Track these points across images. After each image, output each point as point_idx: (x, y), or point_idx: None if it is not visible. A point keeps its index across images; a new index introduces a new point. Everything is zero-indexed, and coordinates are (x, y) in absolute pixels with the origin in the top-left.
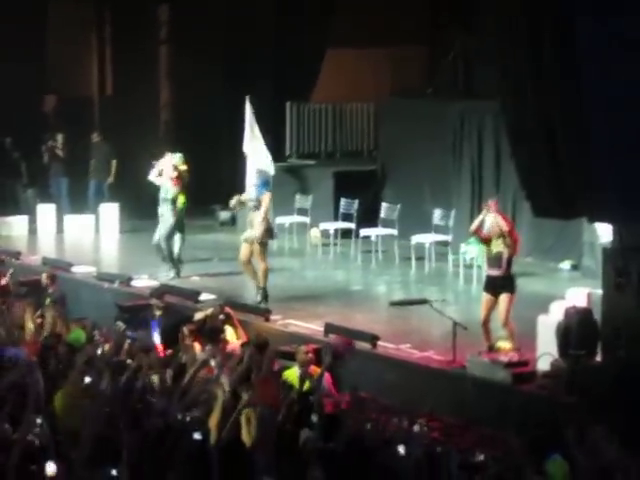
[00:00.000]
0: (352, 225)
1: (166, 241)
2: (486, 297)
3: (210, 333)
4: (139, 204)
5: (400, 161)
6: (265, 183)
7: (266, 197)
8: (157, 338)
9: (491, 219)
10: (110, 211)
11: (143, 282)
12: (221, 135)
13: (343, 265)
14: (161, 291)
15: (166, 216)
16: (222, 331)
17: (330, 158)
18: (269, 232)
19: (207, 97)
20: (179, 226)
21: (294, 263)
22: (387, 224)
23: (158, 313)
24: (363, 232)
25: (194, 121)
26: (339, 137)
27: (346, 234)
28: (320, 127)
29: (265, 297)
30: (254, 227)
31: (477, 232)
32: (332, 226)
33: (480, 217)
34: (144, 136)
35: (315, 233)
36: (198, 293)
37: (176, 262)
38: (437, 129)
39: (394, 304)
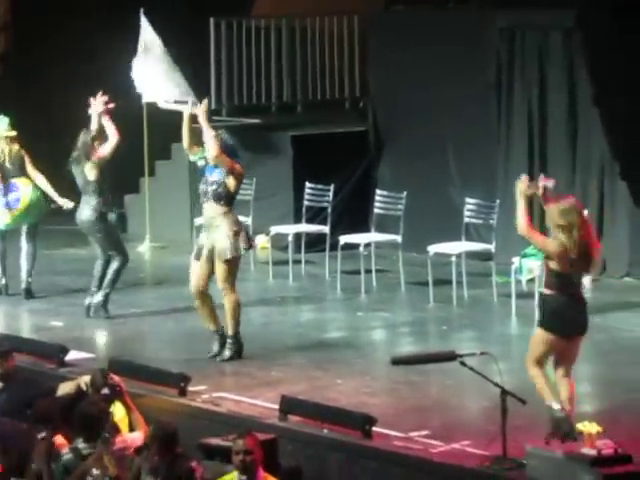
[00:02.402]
0: (325, 228)
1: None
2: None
3: (85, 420)
4: None
5: (406, 117)
6: (232, 151)
7: (236, 178)
8: None
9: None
10: None
11: None
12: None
13: (312, 296)
14: (5, 347)
15: None
16: (105, 416)
17: (286, 113)
18: (245, 240)
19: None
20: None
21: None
22: (385, 226)
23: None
24: (345, 239)
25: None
26: (300, 77)
27: (315, 243)
28: (268, 60)
29: (238, 351)
30: (217, 232)
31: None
32: (291, 229)
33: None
34: None
35: (263, 243)
36: (64, 350)
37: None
38: (468, 58)
39: (398, 362)
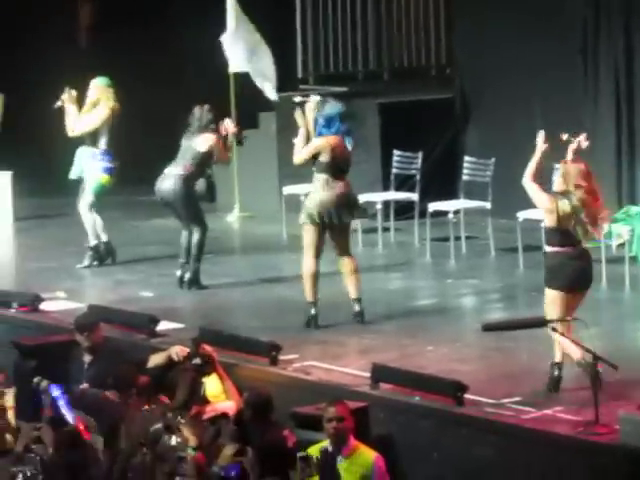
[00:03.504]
0: (414, 196)
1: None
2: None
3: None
4: (45, 171)
5: (492, 83)
6: (331, 122)
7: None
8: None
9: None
10: None
11: (58, 304)
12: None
13: (401, 264)
14: (91, 319)
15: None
16: (198, 385)
17: (372, 82)
18: (357, 206)
19: None
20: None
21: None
22: (474, 193)
23: (88, 357)
24: (433, 206)
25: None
26: (386, 46)
27: (404, 211)
28: (354, 28)
29: (363, 316)
30: (327, 195)
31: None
32: (379, 197)
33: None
34: (52, 46)
35: None
36: (154, 320)
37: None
38: (555, 22)
39: (489, 328)
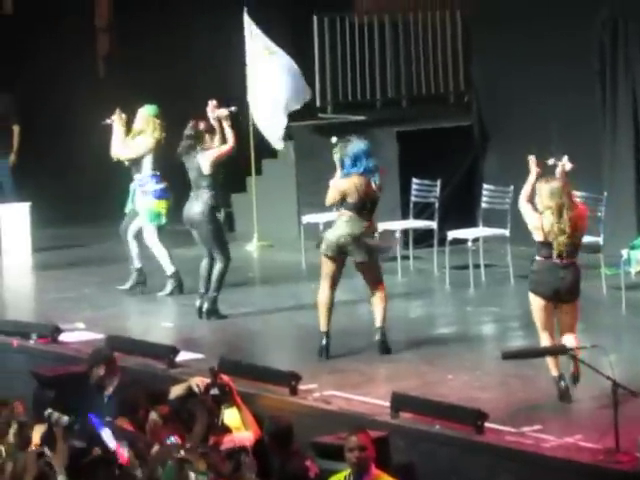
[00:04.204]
0: (433, 224)
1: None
2: None
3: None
4: (65, 201)
5: (510, 110)
6: (357, 161)
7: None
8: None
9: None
10: (15, 214)
11: (77, 335)
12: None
13: (420, 292)
14: (106, 350)
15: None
16: (216, 416)
17: (391, 109)
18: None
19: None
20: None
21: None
22: (493, 220)
23: (110, 387)
24: (452, 234)
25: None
26: (405, 73)
27: (423, 238)
28: (372, 56)
29: (386, 345)
30: (350, 232)
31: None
32: (399, 225)
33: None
34: (70, 77)
35: None
36: (174, 350)
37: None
38: (572, 46)
39: (509, 356)
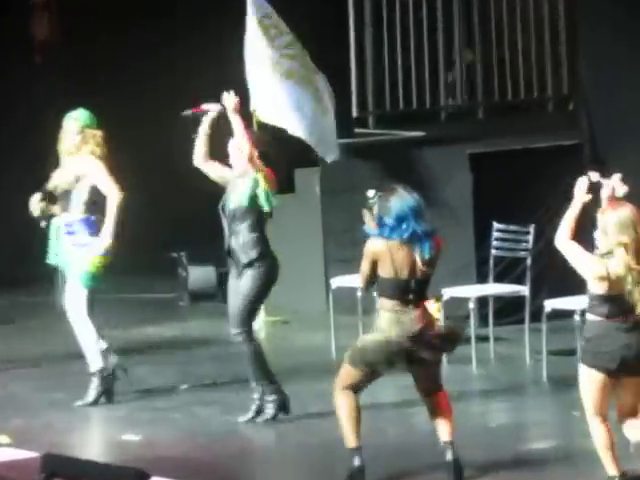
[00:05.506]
0: (523, 289)
1: None
2: None
3: None
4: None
5: (635, 125)
6: (402, 222)
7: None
8: None
9: None
10: None
11: (1, 453)
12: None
13: (505, 389)
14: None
15: None
16: None
17: (461, 123)
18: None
19: None
20: None
21: (377, 390)
22: None
23: None
24: (551, 304)
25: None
26: (481, 73)
27: (509, 311)
28: (433, 47)
29: (459, 467)
30: (396, 335)
31: None
32: (474, 291)
33: None
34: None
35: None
36: (142, 476)
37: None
38: None
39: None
